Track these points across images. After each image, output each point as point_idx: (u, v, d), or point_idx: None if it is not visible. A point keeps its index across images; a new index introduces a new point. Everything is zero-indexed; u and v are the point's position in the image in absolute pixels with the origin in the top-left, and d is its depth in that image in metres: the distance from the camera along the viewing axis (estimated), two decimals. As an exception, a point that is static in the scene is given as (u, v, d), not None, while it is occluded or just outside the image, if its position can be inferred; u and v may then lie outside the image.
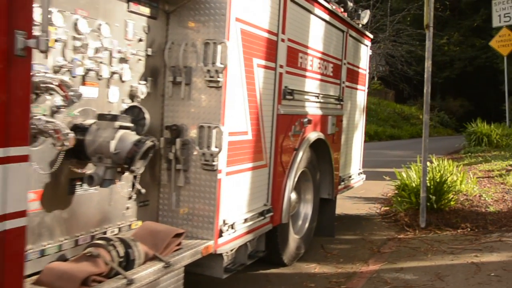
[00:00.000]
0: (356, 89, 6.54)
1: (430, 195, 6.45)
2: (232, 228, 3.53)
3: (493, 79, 35.57)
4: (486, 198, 7.05)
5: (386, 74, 36.99)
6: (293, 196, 4.96)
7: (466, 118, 17.07)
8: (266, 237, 4.36)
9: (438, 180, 6.64)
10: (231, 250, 3.70)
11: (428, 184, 6.56)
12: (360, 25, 6.58)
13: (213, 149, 3.30)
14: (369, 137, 24.04)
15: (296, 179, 4.69)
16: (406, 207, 6.73)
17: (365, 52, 6.80)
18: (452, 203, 6.67)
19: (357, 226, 6.56)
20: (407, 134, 29.38)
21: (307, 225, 5.21)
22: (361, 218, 7.01)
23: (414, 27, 30.55)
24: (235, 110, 3.52)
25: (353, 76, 6.33)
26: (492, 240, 5.60)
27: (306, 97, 4.79)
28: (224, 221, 3.43)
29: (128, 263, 2.69)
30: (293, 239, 4.84)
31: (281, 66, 4.17)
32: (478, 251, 5.23)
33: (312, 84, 4.93)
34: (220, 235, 3.39)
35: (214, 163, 3.31)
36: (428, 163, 7.50)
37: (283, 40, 4.18)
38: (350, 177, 6.45)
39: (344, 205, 7.65)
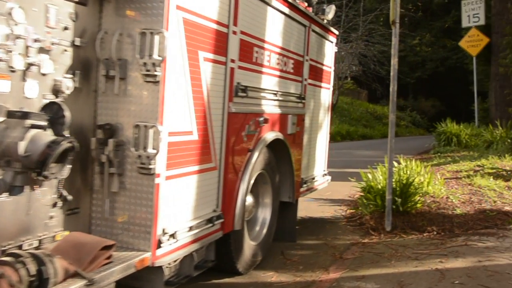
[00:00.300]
0: (320, 87, 6.27)
1: (396, 198, 6.22)
2: (174, 237, 3.21)
3: (464, 80, 35.97)
4: (453, 200, 6.87)
5: (359, 74, 37.17)
6: (250, 200, 4.66)
7: (438, 118, 17.06)
8: (218, 245, 4.05)
9: (404, 181, 6.42)
10: (174, 262, 3.37)
11: (394, 186, 6.34)
12: (325, 21, 6.32)
13: (150, 150, 2.97)
14: (341, 136, 23.98)
15: (251, 182, 4.39)
16: (372, 209, 6.50)
17: (330, 48, 6.54)
18: (418, 205, 6.46)
19: (321, 230, 6.30)
20: (379, 134, 29.44)
21: (265, 230, 4.91)
22: (326, 222, 6.75)
23: (387, 27, 30.57)
24: (177, 107, 3.20)
25: (316, 73, 6.06)
26: (458, 244, 5.40)
27: (262, 94, 4.49)
28: (163, 230, 3.10)
29: (41, 282, 2.34)
30: (249, 246, 4.53)
31: (232, 61, 3.86)
32: (443, 256, 5.01)
33: (269, 81, 4.63)
34: (159, 246, 3.06)
35: (151, 166, 2.98)
36: (395, 164, 7.31)
37: (234, 33, 3.86)
38: (313, 179, 6.18)
39: (309, 208, 7.39)
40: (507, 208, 6.76)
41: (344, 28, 29.54)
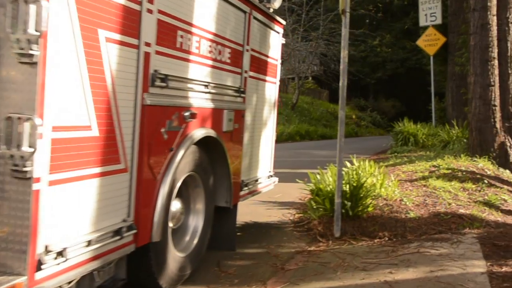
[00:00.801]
0: (264, 80, 5.76)
1: (346, 201, 5.77)
2: (62, 256, 2.61)
3: (423, 81, 36.25)
4: (407, 203, 6.48)
5: (320, 73, 37.14)
6: (177, 205, 4.11)
7: (398, 118, 16.91)
8: (135, 259, 3.48)
9: (354, 183, 5.98)
10: (68, 284, 2.78)
11: (345, 188, 5.90)
12: (272, 10, 5.82)
13: (25, 149, 2.38)
14: (300, 136, 23.65)
15: (177, 185, 3.84)
16: (321, 214, 6.03)
17: (275, 39, 6.03)
18: (370, 209, 6.03)
19: (265, 236, 5.79)
20: (339, 134, 29.25)
21: (196, 240, 4.36)
22: (271, 227, 6.25)
23: (348, 27, 30.48)
24: (67, 96, 2.61)
25: (260, 65, 5.54)
26: (410, 251, 4.97)
27: (189, 85, 3.93)
28: (46, 247, 2.51)
29: None
30: (175, 258, 3.97)
31: (147, 44, 3.29)
32: (394, 266, 4.57)
33: (199, 71, 4.08)
34: (39, 268, 2.47)
35: (26, 169, 2.38)
36: (348, 165, 6.87)
37: (150, 11, 3.29)
38: (256, 181, 5.66)
39: (255, 212, 6.88)
40: (461, 210, 6.41)
41: (305, 26, 29.31)
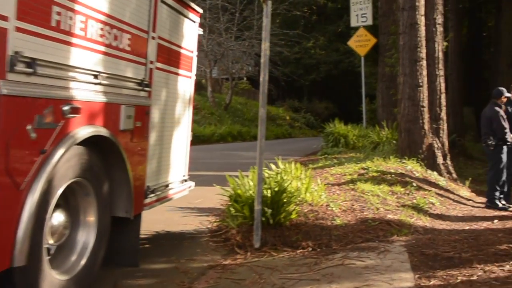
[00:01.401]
0: (177, 74, 5.14)
1: (267, 208, 5.26)
2: None
3: (355, 83, 36.84)
4: (334, 208, 6.06)
5: (255, 74, 36.85)
6: (59, 218, 3.42)
7: (331, 120, 16.71)
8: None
9: (276, 188, 5.47)
10: None
11: (266, 193, 5.38)
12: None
13: None
14: (233, 137, 23.17)
15: (57, 194, 3.16)
16: (239, 222, 5.48)
17: (190, 29, 5.43)
18: (293, 216, 5.55)
19: (176, 248, 5.16)
20: (272, 135, 29.06)
21: (85, 259, 3.67)
22: (186, 237, 5.63)
23: (283, 28, 30.43)
24: None
25: (170, 56, 4.92)
26: (334, 264, 4.52)
27: (70, 74, 3.25)
28: None
29: None
30: (55, 283, 3.27)
31: (3, 18, 2.60)
32: (316, 281, 4.09)
33: (85, 57, 3.40)
34: None
35: None
36: (274, 167, 6.38)
37: (7, -24, 2.61)
38: (167, 186, 5.03)
39: (170, 219, 6.24)
40: (390, 216, 6.07)
41: (239, 26, 28.85)
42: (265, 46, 5.21)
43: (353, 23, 16.42)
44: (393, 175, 8.11)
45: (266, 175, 5.85)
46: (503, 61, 19.90)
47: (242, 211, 5.43)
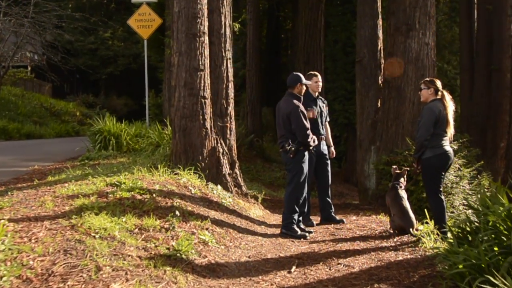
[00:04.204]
0: None
1: None
2: None
3: (156, 78, 34.25)
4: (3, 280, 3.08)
5: (43, 64, 32.03)
6: None
7: (131, 118, 13.69)
8: None
9: None
10: None
11: None
12: None
13: None
14: (-7, 135, 18.47)
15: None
16: None
17: None
18: None
19: None
20: (53, 133, 24.65)
21: None
22: None
23: (84, 14, 26.44)
24: None
25: None
26: None
27: None
28: None
29: None
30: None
31: None
32: None
33: None
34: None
35: None
36: None
37: None
38: None
39: None
40: (115, 287, 3.31)
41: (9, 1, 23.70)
42: None
43: (135, -3, 13.54)
44: (154, 196, 5.43)
45: None
46: (300, 59, 19.22)
47: None
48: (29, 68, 36.67)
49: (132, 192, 5.39)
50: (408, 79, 8.95)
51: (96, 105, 39.69)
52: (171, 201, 5.50)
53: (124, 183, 5.71)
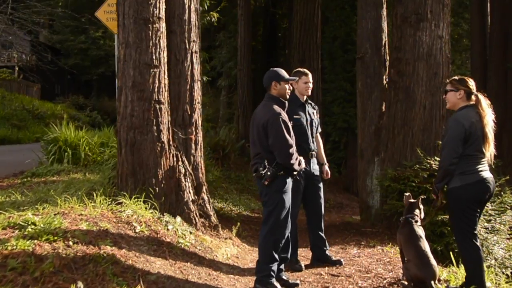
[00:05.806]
0: None
1: None
2: None
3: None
4: None
5: (31, 64, 30.77)
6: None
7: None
8: None
9: None
10: None
11: None
12: None
13: None
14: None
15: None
16: None
17: None
18: None
19: None
20: (33, 137, 22.99)
21: None
22: None
23: (75, 12, 24.89)
24: None
25: None
26: None
27: None
28: None
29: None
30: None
31: None
32: None
33: None
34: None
35: None
36: None
37: None
38: None
39: None
40: None
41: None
42: None
43: (105, -12, 11.88)
44: (70, 245, 3.80)
45: None
46: (295, 58, 18.04)
47: None
48: (16, 69, 35.34)
49: (38, 240, 3.75)
50: (419, 79, 7.58)
51: (87, 107, 38.20)
52: (96, 250, 3.86)
53: (34, 223, 4.07)
